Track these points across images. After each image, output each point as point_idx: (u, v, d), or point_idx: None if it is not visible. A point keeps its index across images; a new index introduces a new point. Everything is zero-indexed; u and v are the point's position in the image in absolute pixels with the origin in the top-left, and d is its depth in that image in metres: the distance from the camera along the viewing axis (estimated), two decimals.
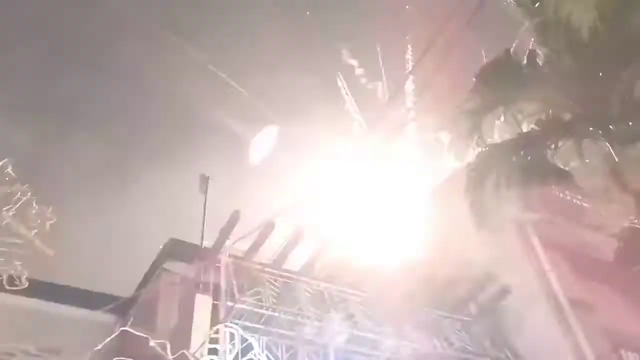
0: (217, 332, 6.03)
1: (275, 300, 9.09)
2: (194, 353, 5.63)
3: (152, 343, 5.25)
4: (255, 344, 5.59)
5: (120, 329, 5.36)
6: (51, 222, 8.64)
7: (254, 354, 5.57)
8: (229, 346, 5.66)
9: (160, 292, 10.36)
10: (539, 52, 10.25)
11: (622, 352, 11.71)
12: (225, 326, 5.91)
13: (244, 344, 6.11)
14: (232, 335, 5.72)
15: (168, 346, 5.34)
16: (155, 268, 11.15)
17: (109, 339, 5.20)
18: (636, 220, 10.58)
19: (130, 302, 11.27)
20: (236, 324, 6.55)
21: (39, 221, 8.69)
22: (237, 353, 5.63)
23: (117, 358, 5.82)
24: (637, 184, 9.10)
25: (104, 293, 12.23)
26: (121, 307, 11.08)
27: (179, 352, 5.42)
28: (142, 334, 5.38)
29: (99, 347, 4.86)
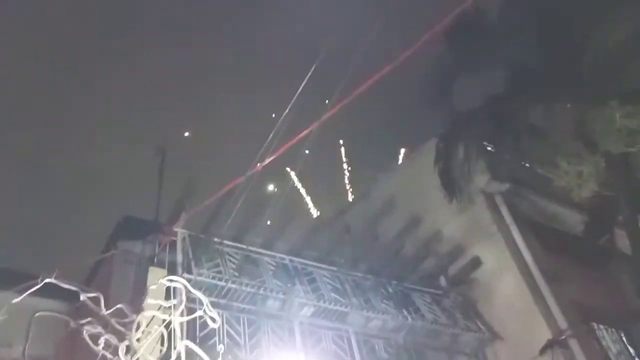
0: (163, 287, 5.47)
1: (236, 274, 8.54)
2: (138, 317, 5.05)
3: (82, 297, 4.66)
4: (204, 300, 5.04)
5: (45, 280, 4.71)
6: None
7: (204, 311, 5.03)
8: (174, 302, 5.12)
9: (114, 272, 9.68)
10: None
11: (594, 324, 11.56)
12: (169, 280, 5.35)
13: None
14: (178, 291, 5.18)
15: (102, 299, 4.75)
16: (108, 248, 10.45)
17: (29, 291, 4.57)
18: (601, 189, 10.33)
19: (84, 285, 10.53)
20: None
21: None
22: (183, 310, 5.09)
23: (38, 313, 5.21)
24: (607, 144, 8.88)
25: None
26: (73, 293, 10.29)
27: (116, 307, 4.84)
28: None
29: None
